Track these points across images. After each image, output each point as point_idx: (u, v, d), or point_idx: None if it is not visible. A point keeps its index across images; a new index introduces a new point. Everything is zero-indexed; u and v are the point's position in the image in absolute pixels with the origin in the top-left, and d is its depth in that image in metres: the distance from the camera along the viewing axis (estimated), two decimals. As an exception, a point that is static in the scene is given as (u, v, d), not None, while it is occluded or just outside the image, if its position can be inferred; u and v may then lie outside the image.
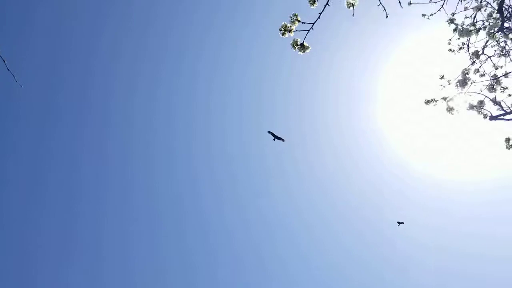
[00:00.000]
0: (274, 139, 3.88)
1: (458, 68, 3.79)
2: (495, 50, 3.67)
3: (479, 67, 3.62)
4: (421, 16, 3.74)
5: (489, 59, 3.64)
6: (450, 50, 3.77)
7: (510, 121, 3.40)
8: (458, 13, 3.59)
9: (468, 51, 3.64)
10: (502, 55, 3.70)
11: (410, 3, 3.68)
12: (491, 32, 3.01)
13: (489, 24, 3.16)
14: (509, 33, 3.11)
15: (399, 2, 2.68)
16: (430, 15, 3.71)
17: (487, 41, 3.47)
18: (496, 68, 3.50)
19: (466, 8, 3.70)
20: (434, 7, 3.69)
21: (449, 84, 3.32)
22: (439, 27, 3.89)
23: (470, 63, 3.64)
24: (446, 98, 3.29)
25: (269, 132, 3.90)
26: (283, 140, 4.14)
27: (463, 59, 3.83)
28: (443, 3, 3.64)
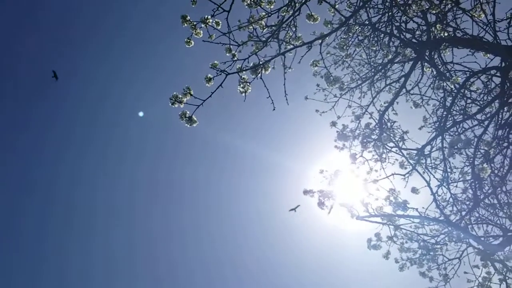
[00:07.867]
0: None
1: (341, 164, 4.12)
2: (373, 155, 4.08)
3: (357, 168, 3.97)
4: (315, 111, 4.08)
5: (366, 162, 4.02)
6: (336, 147, 4.11)
7: (374, 223, 3.68)
8: (345, 116, 3.99)
9: (350, 151, 3.98)
10: (378, 160, 4.12)
11: (307, 98, 4.01)
12: (364, 142, 3.35)
13: (364, 134, 3.53)
14: (381, 145, 3.47)
15: (286, 100, 2.87)
16: (323, 112, 4.06)
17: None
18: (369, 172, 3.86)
19: (353, 113, 4.12)
20: (327, 106, 4.06)
21: (326, 179, 3.55)
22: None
23: (350, 163, 3.97)
24: (321, 191, 3.48)
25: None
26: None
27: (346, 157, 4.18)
28: (334, 105, 4.02)
